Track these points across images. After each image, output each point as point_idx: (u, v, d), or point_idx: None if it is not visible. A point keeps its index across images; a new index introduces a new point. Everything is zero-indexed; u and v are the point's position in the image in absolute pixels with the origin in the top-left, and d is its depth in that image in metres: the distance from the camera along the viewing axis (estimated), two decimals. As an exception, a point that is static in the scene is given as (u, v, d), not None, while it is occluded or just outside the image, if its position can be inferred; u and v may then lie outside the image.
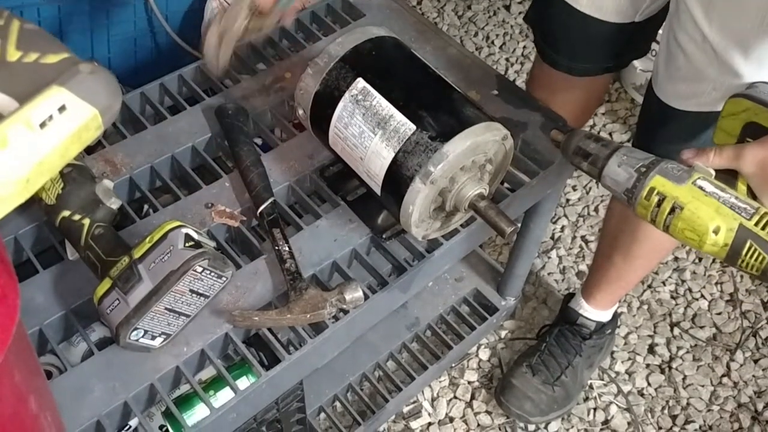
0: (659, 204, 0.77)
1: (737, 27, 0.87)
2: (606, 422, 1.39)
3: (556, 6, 1.09)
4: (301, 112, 0.95)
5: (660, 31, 1.12)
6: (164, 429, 0.94)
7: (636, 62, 1.80)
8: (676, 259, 1.65)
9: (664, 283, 1.60)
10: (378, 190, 0.89)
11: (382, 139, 0.85)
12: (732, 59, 0.89)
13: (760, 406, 1.42)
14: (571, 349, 1.36)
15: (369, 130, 0.86)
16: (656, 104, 1.03)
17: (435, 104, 0.87)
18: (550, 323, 1.44)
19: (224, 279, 0.82)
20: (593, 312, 1.37)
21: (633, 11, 1.06)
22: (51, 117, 0.48)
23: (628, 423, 1.39)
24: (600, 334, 1.38)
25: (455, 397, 1.41)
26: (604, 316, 1.38)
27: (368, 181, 0.90)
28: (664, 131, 1.06)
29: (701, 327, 1.54)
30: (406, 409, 1.38)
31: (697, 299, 1.58)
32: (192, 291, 0.80)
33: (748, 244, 0.73)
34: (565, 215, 1.71)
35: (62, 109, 0.48)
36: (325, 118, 0.91)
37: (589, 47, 1.14)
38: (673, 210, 0.76)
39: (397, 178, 0.85)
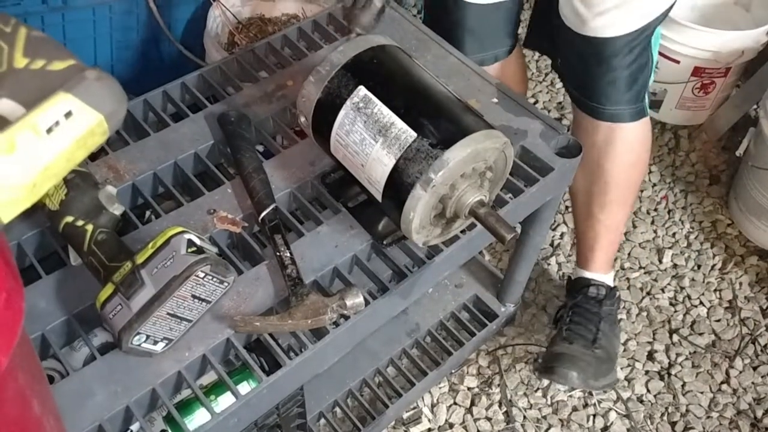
0: None
1: None
2: (605, 428, 1.40)
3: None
4: (302, 119, 0.96)
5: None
6: (165, 434, 0.95)
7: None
8: (675, 266, 1.65)
9: (662, 290, 1.61)
10: (379, 197, 0.90)
11: (383, 146, 0.86)
12: None
13: (759, 413, 1.42)
14: (593, 317, 1.38)
15: (370, 138, 0.87)
16: (585, 44, 1.14)
17: (436, 112, 0.88)
18: (562, 304, 1.47)
19: (226, 284, 0.83)
20: (597, 275, 1.40)
21: None
22: (57, 123, 0.48)
23: (628, 429, 1.39)
24: (612, 299, 1.40)
25: (455, 403, 1.41)
26: (608, 280, 1.42)
27: (369, 187, 0.91)
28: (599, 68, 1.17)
29: (700, 334, 1.54)
30: (406, 415, 1.39)
31: (695, 306, 1.59)
32: (194, 296, 0.80)
33: None
34: (565, 222, 1.72)
35: (68, 115, 0.49)
36: (326, 125, 0.92)
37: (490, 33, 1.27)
38: None
39: (398, 185, 0.86)
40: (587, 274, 1.41)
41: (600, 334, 1.37)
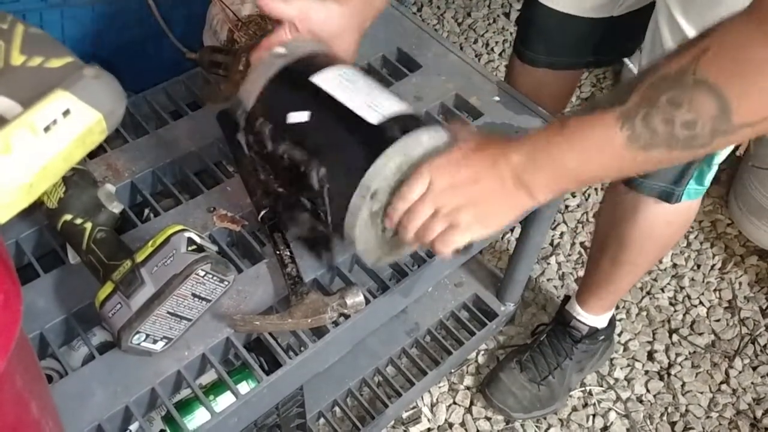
0: None
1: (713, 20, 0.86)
2: (605, 428, 1.39)
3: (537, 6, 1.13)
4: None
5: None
6: (164, 433, 0.94)
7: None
8: (674, 265, 1.65)
9: (662, 290, 1.60)
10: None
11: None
12: None
13: (759, 413, 1.42)
14: (562, 350, 1.37)
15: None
16: None
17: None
18: (546, 323, 1.44)
19: (226, 283, 0.82)
20: (587, 316, 1.37)
21: (610, 7, 1.07)
22: (55, 121, 0.48)
23: (627, 430, 1.39)
24: (593, 340, 1.38)
25: (455, 403, 1.41)
26: (599, 322, 1.38)
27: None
28: None
29: (700, 334, 1.54)
30: (405, 415, 1.38)
31: (695, 306, 1.59)
32: (194, 295, 0.80)
33: None
34: (564, 221, 1.72)
35: (66, 113, 0.48)
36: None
37: (567, 44, 1.17)
38: None
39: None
40: (576, 311, 1.36)
41: (556, 372, 1.36)
